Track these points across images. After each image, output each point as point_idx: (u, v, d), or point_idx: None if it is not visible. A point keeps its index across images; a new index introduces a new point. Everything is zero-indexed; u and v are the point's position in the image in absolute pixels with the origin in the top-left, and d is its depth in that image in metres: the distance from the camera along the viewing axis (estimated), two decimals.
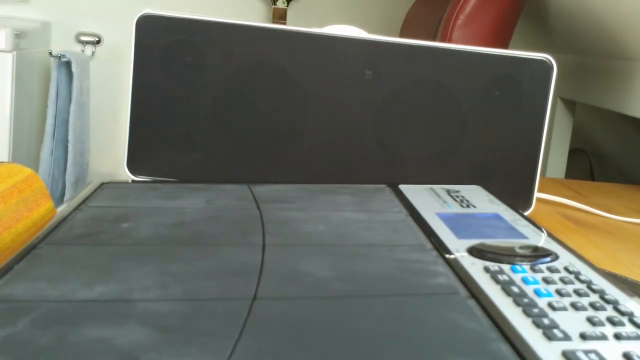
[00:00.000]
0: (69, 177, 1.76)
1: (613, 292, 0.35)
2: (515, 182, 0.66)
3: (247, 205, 0.49)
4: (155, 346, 0.27)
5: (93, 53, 1.95)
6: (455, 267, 0.38)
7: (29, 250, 0.38)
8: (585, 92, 1.34)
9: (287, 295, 0.33)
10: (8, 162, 0.58)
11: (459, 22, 1.30)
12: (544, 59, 0.64)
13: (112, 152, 2.02)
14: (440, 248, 0.41)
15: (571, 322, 0.31)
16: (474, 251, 0.40)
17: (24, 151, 1.83)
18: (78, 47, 1.95)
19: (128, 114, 0.61)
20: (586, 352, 0.27)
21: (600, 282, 0.36)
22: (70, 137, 1.76)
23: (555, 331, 0.29)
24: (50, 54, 1.78)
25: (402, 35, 1.75)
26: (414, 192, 0.56)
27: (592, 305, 0.33)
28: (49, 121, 1.76)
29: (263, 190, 0.53)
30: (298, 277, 0.35)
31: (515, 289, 0.34)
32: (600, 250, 0.60)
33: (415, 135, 0.64)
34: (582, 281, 0.36)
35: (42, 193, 0.56)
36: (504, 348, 0.28)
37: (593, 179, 1.59)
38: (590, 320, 0.31)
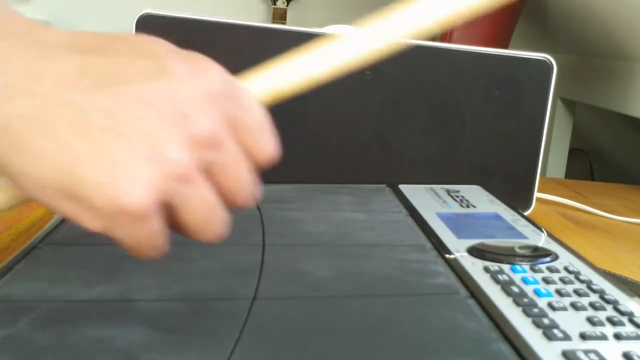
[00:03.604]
0: None
1: (613, 292, 0.35)
2: (515, 182, 0.66)
3: None
4: (155, 346, 0.27)
5: None
6: (455, 267, 0.38)
7: (29, 250, 0.38)
8: (585, 92, 1.34)
9: (287, 295, 0.33)
10: None
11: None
12: (544, 59, 0.64)
13: None
14: (440, 248, 0.41)
15: (571, 322, 0.31)
16: (474, 251, 0.40)
17: None
18: None
19: None
20: (586, 352, 0.27)
21: (600, 282, 0.36)
22: None
23: (555, 331, 0.29)
24: None
25: None
26: (414, 192, 0.56)
27: (592, 305, 0.33)
28: None
29: (263, 190, 0.53)
30: (298, 277, 0.35)
31: (515, 289, 0.34)
32: (600, 250, 0.60)
33: (415, 135, 0.64)
34: (582, 281, 0.36)
35: None
36: (504, 348, 0.28)
37: (593, 179, 1.59)
38: (590, 320, 0.31)
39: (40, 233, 0.41)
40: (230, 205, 0.28)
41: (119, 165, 0.24)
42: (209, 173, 0.27)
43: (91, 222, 0.25)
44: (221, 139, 0.26)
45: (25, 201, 0.30)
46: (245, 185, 0.28)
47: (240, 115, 0.27)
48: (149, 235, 0.26)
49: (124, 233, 0.25)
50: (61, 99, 0.24)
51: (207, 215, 0.27)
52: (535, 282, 0.35)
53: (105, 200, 0.24)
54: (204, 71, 0.27)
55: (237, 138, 0.27)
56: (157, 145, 0.24)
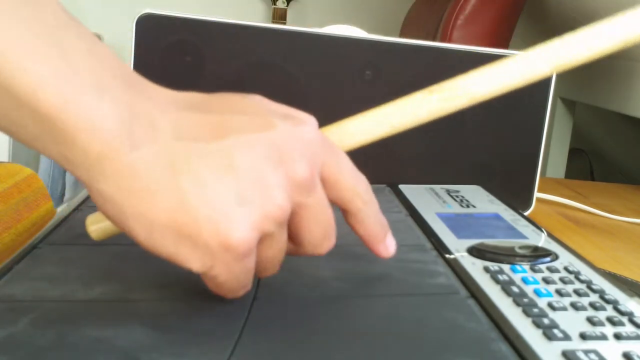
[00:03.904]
0: (69, 177, 1.76)
1: (613, 292, 0.35)
2: (515, 182, 0.66)
3: None
4: (155, 346, 0.27)
5: None
6: (455, 267, 0.38)
7: (29, 250, 0.38)
8: (585, 92, 1.34)
9: (287, 295, 0.33)
10: (8, 162, 0.58)
11: (459, 22, 1.30)
12: None
13: None
14: (440, 248, 0.41)
15: (571, 322, 0.31)
16: (474, 251, 0.40)
17: (24, 151, 1.84)
18: None
19: None
20: (586, 352, 0.27)
21: (600, 282, 0.36)
22: None
23: (555, 331, 0.29)
24: None
25: (402, 35, 1.75)
26: (414, 192, 0.56)
27: (592, 305, 0.33)
28: None
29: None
30: (298, 277, 0.35)
31: (515, 289, 0.34)
32: (600, 250, 0.60)
33: (415, 134, 0.64)
34: (582, 281, 0.36)
35: (42, 193, 0.56)
36: (504, 348, 0.28)
37: (593, 179, 1.59)
38: (590, 320, 0.31)
39: (40, 233, 0.41)
40: (299, 247, 0.31)
41: (228, 205, 0.26)
42: (294, 215, 0.30)
43: (194, 261, 0.27)
44: (315, 182, 0.29)
45: (114, 234, 0.33)
46: (325, 229, 0.31)
47: (334, 161, 0.31)
48: (244, 272, 0.29)
49: (223, 270, 0.28)
50: (177, 148, 0.27)
51: (279, 256, 0.30)
52: (535, 282, 0.35)
53: (215, 236, 0.26)
54: (301, 124, 0.30)
55: (327, 184, 0.31)
56: (263, 187, 0.27)
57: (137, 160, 0.26)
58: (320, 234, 0.31)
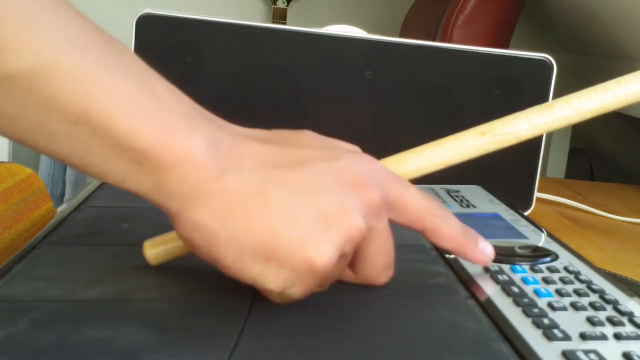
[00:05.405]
0: (69, 177, 1.76)
1: (613, 292, 0.35)
2: (515, 182, 0.66)
3: None
4: (155, 346, 0.27)
5: None
6: (455, 267, 0.38)
7: (29, 250, 0.38)
8: None
9: None
10: (8, 162, 0.58)
11: (459, 22, 1.30)
12: (544, 59, 0.64)
13: None
14: (440, 248, 0.41)
15: (571, 322, 0.31)
16: None
17: (24, 151, 1.83)
18: None
19: None
20: (586, 352, 0.27)
21: (600, 282, 0.36)
22: None
23: (555, 331, 0.29)
24: None
25: (402, 35, 1.75)
26: None
27: (592, 305, 0.33)
28: None
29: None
30: None
31: (515, 289, 0.34)
32: (601, 250, 0.60)
33: (415, 135, 0.64)
34: (582, 281, 0.36)
35: (42, 193, 0.56)
36: (504, 348, 0.28)
37: (593, 179, 1.59)
38: (590, 320, 0.31)
39: (40, 233, 0.41)
40: (360, 275, 0.33)
41: (315, 229, 0.28)
42: (363, 241, 0.31)
43: (275, 280, 0.28)
44: (383, 208, 0.31)
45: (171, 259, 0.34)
46: (388, 258, 0.33)
47: (399, 186, 0.32)
48: (313, 290, 0.30)
49: (301, 288, 0.29)
50: (262, 175, 0.28)
51: (337, 277, 0.32)
52: (535, 282, 0.35)
53: (304, 260, 0.28)
54: (363, 155, 0.32)
55: (398, 208, 0.32)
56: (344, 211, 0.29)
57: (228, 185, 0.28)
58: (385, 261, 0.32)
